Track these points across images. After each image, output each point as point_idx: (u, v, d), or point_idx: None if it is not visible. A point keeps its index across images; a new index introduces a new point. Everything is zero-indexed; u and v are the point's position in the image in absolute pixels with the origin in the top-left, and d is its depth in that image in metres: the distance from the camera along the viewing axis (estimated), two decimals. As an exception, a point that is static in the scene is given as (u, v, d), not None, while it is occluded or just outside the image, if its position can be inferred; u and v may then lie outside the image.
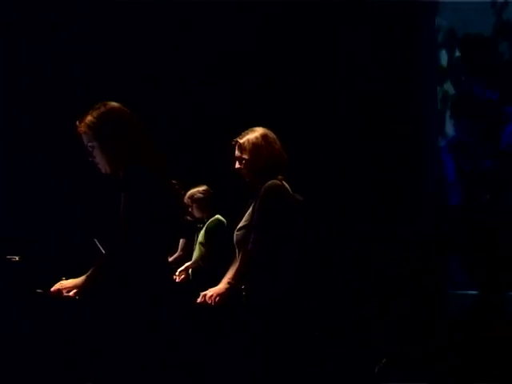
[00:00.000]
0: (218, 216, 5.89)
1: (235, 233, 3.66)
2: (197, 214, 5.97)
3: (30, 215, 6.44)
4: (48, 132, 6.47)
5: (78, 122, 3.03)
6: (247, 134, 3.70)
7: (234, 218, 3.79)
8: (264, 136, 3.67)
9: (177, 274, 5.85)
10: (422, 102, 6.23)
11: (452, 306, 5.66)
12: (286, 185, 3.62)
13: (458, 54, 6.29)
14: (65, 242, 5.92)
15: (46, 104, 6.54)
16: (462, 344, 4.89)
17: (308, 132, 6.02)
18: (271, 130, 3.71)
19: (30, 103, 6.62)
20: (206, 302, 3.58)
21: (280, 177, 3.60)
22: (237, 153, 3.70)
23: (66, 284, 2.89)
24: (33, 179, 6.52)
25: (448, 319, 5.47)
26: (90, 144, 3.01)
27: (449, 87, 6.31)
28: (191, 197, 5.90)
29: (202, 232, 5.90)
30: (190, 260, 6.00)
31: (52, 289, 2.89)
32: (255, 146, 3.64)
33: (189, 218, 6.02)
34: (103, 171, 3.03)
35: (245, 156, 3.65)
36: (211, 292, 3.60)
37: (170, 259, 6.02)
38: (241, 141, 3.68)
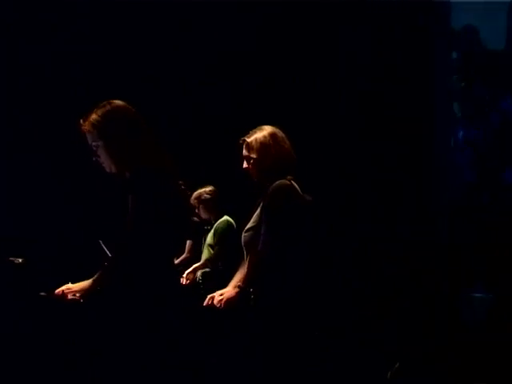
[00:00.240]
0: (226, 217, 5.77)
1: (243, 234, 3.57)
2: (204, 215, 5.86)
3: (30, 215, 6.44)
4: (48, 132, 6.46)
5: (81, 121, 2.96)
6: (255, 132, 3.61)
7: (241, 219, 3.72)
8: (272, 135, 3.58)
9: (184, 276, 5.71)
10: (435, 101, 6.18)
11: (467, 309, 5.61)
12: (296, 185, 3.53)
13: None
14: (65, 242, 5.92)
15: (46, 104, 6.53)
16: (477, 347, 4.87)
17: (308, 132, 6.01)
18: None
19: (29, 103, 6.61)
20: (213, 305, 3.51)
21: (289, 176, 3.51)
22: (244, 152, 3.61)
23: (73, 288, 2.82)
24: (33, 179, 6.51)
25: (463, 323, 5.44)
26: (94, 143, 2.94)
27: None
28: (198, 197, 5.79)
29: (211, 234, 5.77)
30: (197, 262, 5.85)
31: (56, 291, 2.83)
32: (263, 144, 3.55)
33: (196, 219, 5.90)
34: (108, 171, 2.96)
35: (253, 155, 3.56)
36: (220, 296, 3.53)
37: (177, 261, 5.91)
38: (248, 140, 3.59)
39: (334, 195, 6.11)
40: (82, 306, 2.79)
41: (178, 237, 3.07)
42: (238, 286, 3.50)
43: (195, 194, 5.74)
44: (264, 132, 3.59)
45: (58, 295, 2.82)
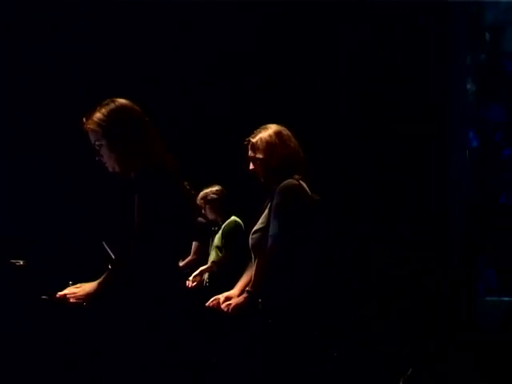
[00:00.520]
0: (234, 218, 5.59)
1: (250, 236, 3.48)
2: (210, 215, 5.68)
3: (30, 215, 6.44)
4: (48, 132, 6.46)
5: (84, 119, 2.89)
6: (260, 132, 3.51)
7: (250, 220, 3.63)
8: (278, 133, 3.48)
9: (190, 278, 5.54)
10: (451, 100, 6.14)
11: (484, 312, 5.59)
12: (304, 184, 3.44)
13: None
14: (65, 243, 5.92)
15: (46, 104, 6.53)
16: (492, 350, 4.85)
17: (308, 132, 6.00)
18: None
19: (30, 103, 6.61)
20: (218, 307, 3.42)
21: (297, 176, 3.42)
22: (250, 153, 3.51)
23: (76, 292, 2.74)
24: (33, 179, 6.51)
25: (479, 326, 5.42)
26: (97, 142, 2.86)
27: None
28: (204, 197, 5.62)
29: (219, 235, 5.60)
30: (204, 264, 5.68)
31: (58, 295, 2.75)
32: (269, 144, 3.45)
33: (202, 219, 5.73)
34: (111, 170, 2.88)
35: (258, 156, 3.46)
36: (227, 299, 3.44)
37: (182, 263, 5.76)
38: (253, 140, 3.49)
39: (333, 195, 6.10)
40: (84, 310, 2.72)
41: (183, 238, 2.98)
42: (247, 291, 3.38)
43: (201, 194, 5.59)
44: (269, 131, 3.49)
45: (60, 299, 2.74)
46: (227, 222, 5.59)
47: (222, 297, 3.48)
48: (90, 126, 2.86)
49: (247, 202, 4.20)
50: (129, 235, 2.74)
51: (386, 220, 6.02)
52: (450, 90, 6.13)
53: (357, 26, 6.27)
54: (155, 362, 2.72)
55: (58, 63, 6.59)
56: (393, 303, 5.60)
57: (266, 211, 3.45)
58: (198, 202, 5.50)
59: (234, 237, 5.45)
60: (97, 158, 2.89)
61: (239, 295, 3.45)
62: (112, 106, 2.88)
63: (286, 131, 3.53)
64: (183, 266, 5.75)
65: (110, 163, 2.87)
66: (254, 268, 3.43)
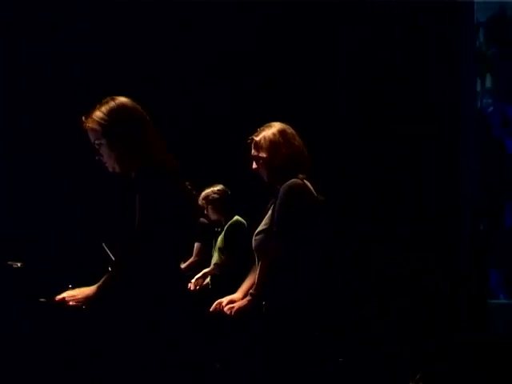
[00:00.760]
0: (237, 217, 5.45)
1: (254, 237, 3.40)
2: (213, 216, 5.54)
3: (30, 215, 6.44)
4: (48, 132, 6.46)
5: (84, 118, 2.82)
6: (263, 130, 3.43)
7: (252, 222, 3.57)
8: (282, 132, 3.40)
9: (193, 281, 5.42)
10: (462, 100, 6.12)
11: (493, 316, 5.56)
12: (309, 184, 3.36)
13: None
14: (65, 243, 5.92)
15: (46, 104, 6.53)
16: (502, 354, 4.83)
17: (308, 132, 6.00)
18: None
19: (30, 103, 6.61)
20: (222, 311, 3.35)
21: (301, 175, 3.34)
22: (253, 152, 3.42)
23: (76, 295, 2.68)
24: (33, 179, 6.51)
25: (489, 330, 5.40)
26: (97, 141, 2.79)
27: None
28: (206, 198, 5.49)
29: (221, 236, 5.46)
30: (207, 266, 5.54)
31: (58, 298, 2.69)
32: (272, 143, 3.37)
33: (204, 220, 5.58)
34: (111, 170, 2.83)
35: (262, 155, 3.38)
36: (230, 303, 3.37)
37: (184, 265, 5.64)
38: (257, 138, 3.41)
39: (333, 195, 6.10)
40: (83, 313, 2.67)
41: (184, 238, 2.89)
42: (250, 294, 3.31)
43: (203, 194, 5.47)
44: (273, 129, 3.42)
45: (59, 302, 2.69)
46: (230, 222, 5.46)
47: (225, 300, 3.42)
48: (90, 124, 2.80)
49: (250, 203, 4.15)
50: (129, 235, 2.70)
51: (386, 220, 6.02)
52: (459, 91, 6.09)
53: (357, 25, 6.27)
54: (155, 363, 2.69)
55: (58, 63, 6.59)
56: (393, 303, 5.60)
57: (270, 212, 3.38)
58: (199, 202, 5.36)
59: (237, 237, 5.31)
60: (96, 158, 2.83)
61: (243, 298, 3.38)
62: (112, 104, 2.82)
63: (290, 129, 3.46)
64: (185, 268, 5.62)
65: (109, 163, 2.81)
66: (257, 270, 3.36)
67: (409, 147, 6.11)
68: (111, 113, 2.79)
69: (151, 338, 2.68)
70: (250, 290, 3.34)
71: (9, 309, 2.77)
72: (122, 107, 2.82)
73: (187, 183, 2.87)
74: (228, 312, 3.33)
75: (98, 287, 2.68)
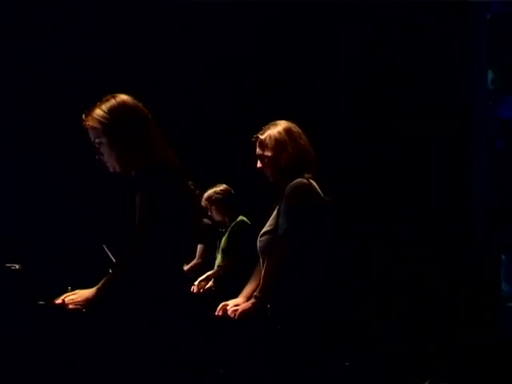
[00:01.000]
0: (241, 217, 5.31)
1: (259, 239, 3.32)
2: (217, 217, 5.40)
3: (30, 215, 6.44)
4: (48, 132, 6.47)
5: (84, 116, 2.77)
6: (268, 128, 3.35)
7: (257, 223, 3.50)
8: (287, 130, 3.34)
9: (196, 283, 5.29)
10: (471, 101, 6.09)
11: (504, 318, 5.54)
12: (315, 184, 3.31)
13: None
14: (65, 243, 5.92)
15: (46, 104, 6.53)
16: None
17: (308, 132, 6.00)
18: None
19: (30, 103, 6.61)
20: (227, 315, 3.27)
21: (307, 175, 3.28)
22: (258, 150, 3.35)
23: (75, 298, 2.62)
24: (33, 179, 6.51)
25: (501, 334, 5.38)
26: (97, 140, 2.74)
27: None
28: (209, 198, 5.34)
29: (225, 237, 5.32)
30: (211, 268, 5.42)
31: (57, 301, 2.64)
32: (278, 141, 3.30)
33: (208, 221, 5.44)
34: (111, 170, 2.77)
35: (267, 153, 3.31)
36: (235, 306, 3.28)
37: (187, 267, 5.51)
38: (262, 137, 3.34)
39: (333, 195, 6.09)
40: (83, 316, 2.62)
41: (186, 238, 2.80)
42: (255, 297, 3.23)
43: (205, 194, 5.32)
44: (278, 128, 3.35)
45: (58, 305, 2.64)
46: (234, 222, 5.33)
47: (230, 304, 3.34)
48: (90, 123, 2.75)
49: (255, 203, 4.09)
50: (129, 235, 2.66)
51: (386, 220, 6.02)
52: (470, 90, 6.06)
53: (357, 25, 6.27)
54: (155, 363, 2.67)
55: (58, 63, 6.59)
56: (393, 303, 5.60)
57: (275, 212, 3.31)
58: (202, 203, 5.21)
59: (241, 238, 5.17)
60: (97, 157, 2.78)
61: (247, 301, 3.31)
62: (113, 101, 2.76)
63: (296, 128, 3.39)
64: (188, 270, 5.49)
65: (110, 162, 2.76)
66: (261, 272, 3.29)
67: (409, 147, 6.11)
68: (112, 111, 2.74)
69: (151, 338, 2.65)
70: (255, 293, 3.26)
71: (7, 312, 2.72)
72: (122, 105, 2.76)
73: (190, 183, 2.81)
74: (232, 315, 3.25)
75: (98, 289, 2.63)
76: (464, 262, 5.67)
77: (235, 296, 3.41)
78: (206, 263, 5.62)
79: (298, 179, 3.25)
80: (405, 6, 6.13)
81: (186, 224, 2.74)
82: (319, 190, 3.32)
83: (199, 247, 5.71)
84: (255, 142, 3.38)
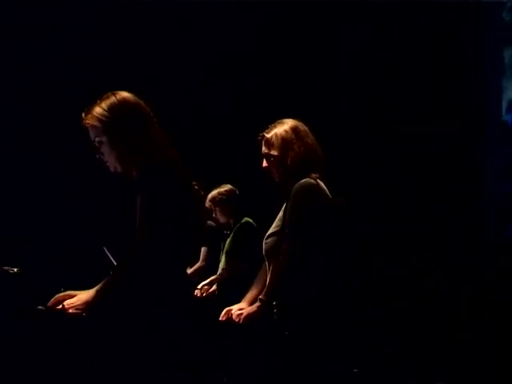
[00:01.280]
0: (246, 219, 5.15)
1: (264, 241, 3.25)
2: (221, 218, 5.23)
3: (30, 215, 6.44)
4: (48, 132, 6.47)
5: (83, 114, 2.70)
6: (275, 127, 3.27)
7: (263, 224, 3.44)
8: (294, 129, 3.25)
9: (199, 287, 5.18)
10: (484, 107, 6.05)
11: None
12: (322, 184, 3.24)
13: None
14: (65, 243, 5.92)
15: (46, 104, 6.53)
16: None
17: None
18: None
19: (30, 103, 6.61)
20: (231, 320, 3.20)
21: (314, 175, 3.21)
22: (264, 149, 3.26)
23: (74, 302, 2.54)
24: (33, 179, 6.51)
25: None
26: (97, 139, 2.66)
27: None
28: (213, 199, 5.18)
29: (230, 239, 5.16)
30: (215, 271, 5.28)
31: (57, 306, 2.57)
32: (284, 140, 3.21)
33: (212, 223, 5.28)
34: (112, 169, 2.71)
35: (273, 153, 3.22)
36: (240, 310, 3.21)
37: (190, 270, 5.39)
38: (268, 135, 3.25)
39: (333, 195, 6.09)
40: (83, 320, 2.55)
41: (188, 239, 2.70)
42: (260, 300, 3.14)
43: (209, 195, 5.16)
44: (285, 126, 3.27)
45: (57, 309, 2.56)
46: (239, 224, 5.18)
47: (234, 308, 3.27)
48: (90, 121, 2.67)
49: (260, 204, 4.03)
50: (130, 236, 2.61)
51: (386, 220, 6.01)
52: (483, 92, 6.04)
53: (357, 25, 6.27)
54: (155, 364, 2.65)
55: (58, 63, 6.59)
56: (393, 303, 5.59)
57: (281, 214, 3.24)
58: (206, 204, 5.07)
59: (246, 239, 5.01)
60: (97, 156, 2.72)
61: (251, 305, 3.23)
62: (113, 99, 2.68)
63: (303, 126, 3.32)
64: (191, 273, 5.38)
65: (110, 161, 2.68)
66: (266, 275, 3.23)
67: (408, 147, 6.11)
68: (112, 108, 2.66)
69: (151, 339, 2.62)
70: (260, 296, 3.18)
71: (5, 316, 2.65)
72: (123, 102, 2.69)
73: (194, 183, 2.74)
74: (237, 320, 3.19)
75: (97, 291, 2.56)
76: (471, 262, 5.65)
77: (239, 300, 3.35)
78: (210, 266, 5.51)
79: (305, 179, 3.18)
80: (405, 6, 6.12)
81: (189, 224, 2.66)
82: (327, 191, 3.26)
83: (203, 250, 5.58)
84: (261, 140, 3.31)
